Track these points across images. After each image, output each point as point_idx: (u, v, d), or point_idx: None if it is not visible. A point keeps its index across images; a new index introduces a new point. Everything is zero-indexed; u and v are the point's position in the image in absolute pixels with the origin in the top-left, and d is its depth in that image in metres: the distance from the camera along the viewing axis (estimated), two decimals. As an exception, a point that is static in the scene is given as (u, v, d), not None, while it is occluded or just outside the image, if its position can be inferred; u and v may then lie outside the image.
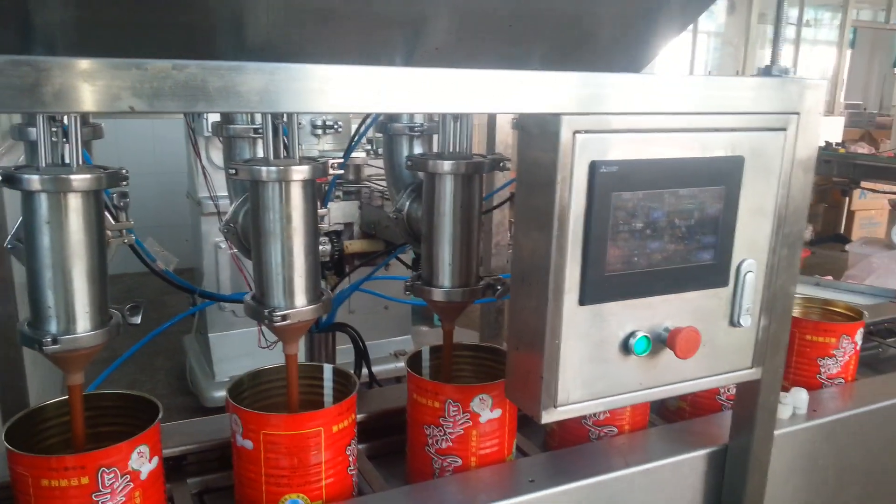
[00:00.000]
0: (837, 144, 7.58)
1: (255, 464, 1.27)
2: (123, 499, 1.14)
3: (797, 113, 1.26)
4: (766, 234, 1.30)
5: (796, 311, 1.96)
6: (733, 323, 1.31)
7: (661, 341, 1.24)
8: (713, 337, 1.30)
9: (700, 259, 1.24)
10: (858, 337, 1.84)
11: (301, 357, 1.38)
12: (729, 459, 1.50)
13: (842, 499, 1.71)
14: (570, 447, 1.54)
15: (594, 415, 1.56)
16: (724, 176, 1.21)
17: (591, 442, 1.57)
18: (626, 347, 1.22)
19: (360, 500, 1.36)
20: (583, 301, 1.16)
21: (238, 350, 4.15)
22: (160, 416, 1.21)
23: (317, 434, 1.26)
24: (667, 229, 1.19)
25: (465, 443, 1.43)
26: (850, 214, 9.00)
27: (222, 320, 4.23)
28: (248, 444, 1.26)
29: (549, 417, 1.21)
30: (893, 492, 1.80)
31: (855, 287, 2.84)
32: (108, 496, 1.11)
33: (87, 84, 0.82)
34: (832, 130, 9.29)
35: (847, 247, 6.94)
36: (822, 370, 1.82)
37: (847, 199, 8.73)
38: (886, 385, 1.85)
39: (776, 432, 1.51)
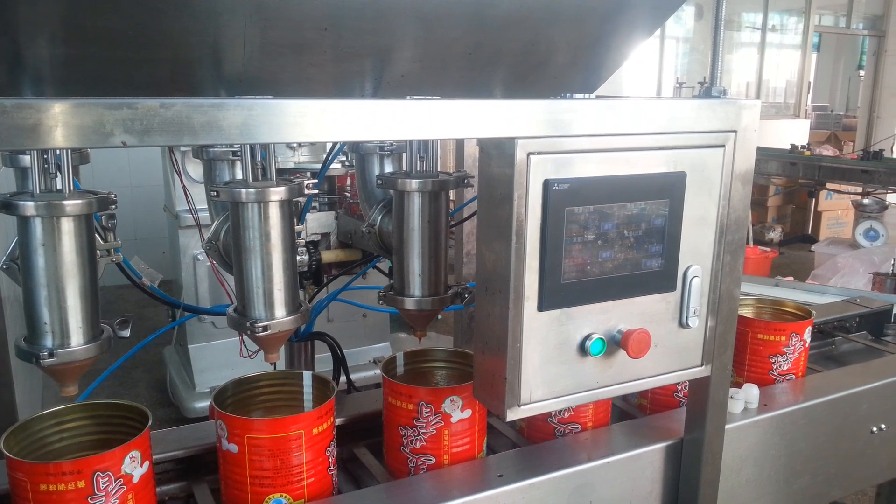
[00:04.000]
0: (803, 147, 7.76)
1: (240, 466, 1.34)
2: (117, 501, 1.21)
3: (734, 131, 1.36)
4: (710, 242, 1.40)
5: (749, 312, 2.07)
6: (682, 324, 1.41)
7: (615, 343, 1.34)
8: (664, 338, 1.40)
9: (649, 266, 1.34)
10: (807, 334, 1.95)
11: (281, 365, 1.46)
12: (685, 452, 1.60)
13: (792, 487, 1.81)
14: (536, 444, 1.63)
15: (559, 413, 1.65)
16: (668, 190, 1.32)
17: (557, 438, 1.67)
18: (583, 349, 1.32)
19: (339, 497, 1.44)
20: (541, 307, 1.26)
21: (218, 360, 4.19)
22: (150, 422, 1.29)
23: (298, 437, 1.34)
24: (617, 240, 1.29)
25: (437, 442, 1.51)
26: (818, 215, 9.20)
27: (202, 332, 4.27)
28: (234, 447, 1.34)
29: (513, 415, 1.30)
30: (840, 479, 1.91)
31: (811, 287, 2.98)
32: (103, 499, 1.19)
33: (83, 123, 0.88)
34: (798, 133, 9.50)
35: (813, 247, 7.11)
36: (774, 367, 1.93)
37: (814, 200, 8.92)
38: (833, 380, 1.96)
39: (729, 426, 1.61)
